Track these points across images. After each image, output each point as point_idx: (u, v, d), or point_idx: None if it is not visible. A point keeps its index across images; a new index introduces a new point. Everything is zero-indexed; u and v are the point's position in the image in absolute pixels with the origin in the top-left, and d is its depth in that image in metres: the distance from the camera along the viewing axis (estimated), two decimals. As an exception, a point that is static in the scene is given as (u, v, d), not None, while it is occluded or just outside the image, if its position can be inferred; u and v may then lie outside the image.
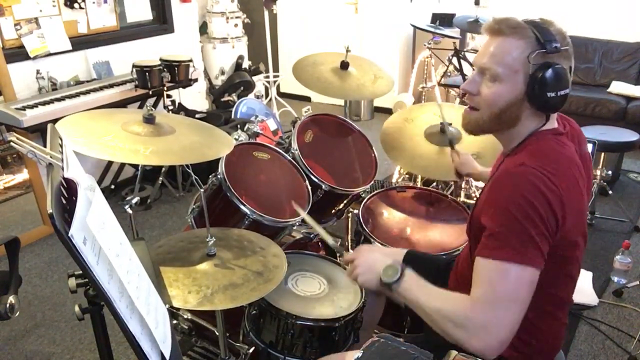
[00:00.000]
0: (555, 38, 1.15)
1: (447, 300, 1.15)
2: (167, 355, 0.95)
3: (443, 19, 4.48)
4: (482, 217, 1.16)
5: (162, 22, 4.12)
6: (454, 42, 3.85)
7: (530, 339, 1.26)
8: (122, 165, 3.69)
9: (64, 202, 0.85)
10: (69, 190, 0.86)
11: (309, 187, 1.96)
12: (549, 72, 1.13)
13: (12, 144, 0.98)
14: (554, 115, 1.23)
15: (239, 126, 2.91)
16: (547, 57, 1.14)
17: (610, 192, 3.39)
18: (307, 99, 5.87)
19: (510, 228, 1.09)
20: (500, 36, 1.18)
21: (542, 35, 1.14)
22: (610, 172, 3.40)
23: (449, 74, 4.01)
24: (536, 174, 1.10)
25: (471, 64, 3.68)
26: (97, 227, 0.82)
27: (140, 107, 3.57)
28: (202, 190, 1.53)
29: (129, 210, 1.55)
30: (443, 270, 1.53)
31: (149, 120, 1.57)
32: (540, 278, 1.12)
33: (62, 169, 0.90)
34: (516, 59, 1.15)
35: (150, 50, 3.88)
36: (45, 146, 0.98)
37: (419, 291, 1.19)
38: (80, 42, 3.47)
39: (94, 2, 3.52)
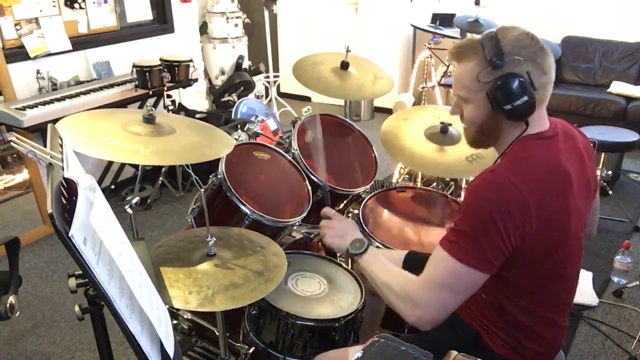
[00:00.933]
0: (502, 50, 1.17)
1: (399, 278, 1.27)
2: (170, 352, 0.96)
3: (443, 19, 4.48)
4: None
5: (162, 22, 4.12)
6: (454, 42, 3.85)
7: (527, 343, 1.28)
8: (122, 165, 3.69)
9: (64, 202, 0.85)
10: (69, 190, 0.86)
11: (309, 187, 1.95)
12: (500, 86, 1.16)
13: (12, 144, 0.98)
14: (539, 118, 1.24)
15: (239, 126, 2.91)
16: (495, 72, 1.17)
17: (610, 192, 3.40)
18: (307, 99, 5.87)
19: (466, 230, 1.16)
20: (458, 61, 1.25)
21: (488, 52, 1.17)
22: (610, 172, 3.40)
23: (449, 74, 4.00)
24: (501, 182, 1.14)
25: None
26: (100, 226, 0.82)
27: (141, 107, 3.57)
28: (202, 190, 1.53)
29: (129, 210, 1.55)
30: None
31: (149, 120, 1.57)
32: (528, 283, 1.21)
33: (62, 169, 0.90)
34: (470, 80, 1.22)
35: (151, 50, 3.89)
36: (45, 146, 0.98)
37: (376, 266, 1.34)
38: (81, 42, 3.47)
39: (94, 2, 3.52)
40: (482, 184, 1.18)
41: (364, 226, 1.87)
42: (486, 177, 1.18)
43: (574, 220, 1.22)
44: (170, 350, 0.96)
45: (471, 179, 2.98)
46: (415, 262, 1.50)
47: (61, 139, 1.02)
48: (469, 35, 4.97)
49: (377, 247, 1.81)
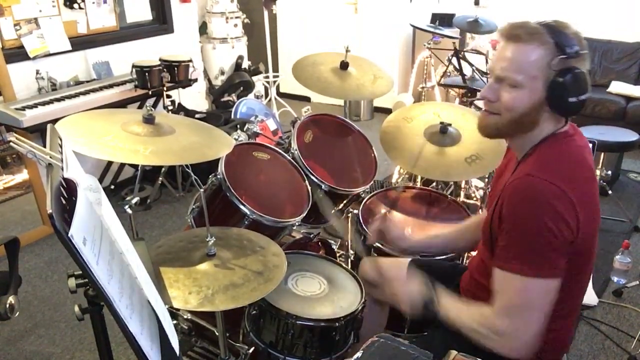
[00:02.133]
0: (574, 42, 1.14)
1: (470, 315, 1.22)
2: (176, 349, 0.96)
3: (443, 19, 4.47)
4: (498, 226, 1.19)
5: (161, 22, 4.12)
6: (454, 42, 3.85)
7: (542, 343, 1.26)
8: (122, 165, 3.69)
9: (64, 202, 0.85)
10: (69, 190, 0.86)
11: (309, 187, 1.95)
12: (570, 77, 1.12)
13: (11, 144, 0.98)
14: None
15: (238, 126, 2.91)
16: (567, 62, 1.13)
17: (610, 192, 3.40)
18: (307, 99, 5.87)
19: (522, 243, 1.13)
20: (518, 42, 1.16)
21: (561, 40, 1.13)
22: (610, 172, 3.40)
23: (448, 74, 4.00)
24: (548, 189, 1.11)
25: (471, 64, 3.67)
26: (109, 222, 0.82)
27: (140, 107, 3.57)
28: (202, 190, 1.53)
29: (129, 211, 1.55)
30: (450, 273, 1.54)
31: (149, 120, 1.57)
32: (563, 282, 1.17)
33: (62, 169, 0.90)
34: (535, 65, 1.14)
35: (150, 51, 3.88)
36: (45, 146, 0.98)
37: (452, 312, 1.26)
38: (80, 42, 3.47)
39: (93, 2, 3.52)
40: (525, 192, 1.14)
41: (364, 226, 1.87)
42: (528, 184, 1.14)
43: (599, 212, 1.23)
44: (176, 346, 0.97)
45: (477, 181, 2.96)
46: (419, 268, 1.50)
47: (61, 139, 1.02)
48: (472, 35, 4.97)
49: (378, 247, 1.81)
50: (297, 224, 1.87)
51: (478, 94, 1.30)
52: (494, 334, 1.16)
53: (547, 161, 1.18)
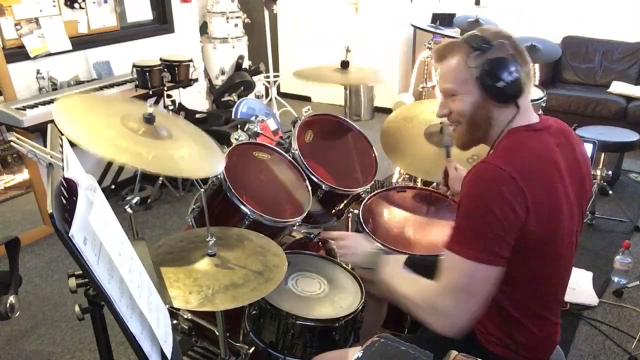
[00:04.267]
0: (486, 38, 1.23)
1: (417, 288, 1.27)
2: (168, 354, 0.96)
3: (443, 19, 4.47)
4: (457, 211, 1.25)
5: (162, 22, 4.12)
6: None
7: (520, 338, 1.28)
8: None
9: (64, 202, 0.85)
10: (69, 190, 0.86)
11: (309, 187, 1.95)
12: (487, 66, 1.21)
13: (12, 143, 0.98)
14: (528, 107, 1.28)
15: (239, 126, 2.91)
16: (483, 56, 1.22)
17: (610, 192, 3.39)
18: (307, 99, 5.87)
19: (468, 226, 1.18)
20: (443, 59, 1.29)
21: (472, 40, 1.24)
22: (610, 172, 3.40)
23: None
24: (496, 172, 1.16)
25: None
26: (99, 226, 0.82)
27: (141, 107, 3.57)
28: (202, 190, 1.53)
29: (129, 210, 1.55)
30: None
31: (149, 120, 1.55)
32: (521, 276, 1.22)
33: (62, 168, 0.90)
34: (460, 70, 1.25)
35: (151, 50, 3.89)
36: (45, 146, 0.98)
37: (397, 279, 1.35)
38: (81, 42, 3.47)
39: (94, 2, 3.52)
40: (475, 177, 1.19)
41: (364, 226, 1.87)
42: (478, 169, 1.20)
43: (566, 211, 1.23)
44: (168, 351, 0.96)
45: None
46: (415, 266, 1.50)
47: (61, 139, 1.02)
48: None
49: (380, 249, 1.81)
50: (297, 224, 1.87)
51: (436, 114, 1.38)
52: (433, 311, 1.20)
53: (503, 151, 1.24)
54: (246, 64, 4.92)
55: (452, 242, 1.20)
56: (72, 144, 1.09)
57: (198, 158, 1.55)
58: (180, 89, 3.78)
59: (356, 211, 2.01)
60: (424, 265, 1.50)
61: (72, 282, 1.04)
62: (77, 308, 1.08)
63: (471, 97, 1.26)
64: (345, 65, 2.30)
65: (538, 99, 3.02)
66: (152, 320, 0.93)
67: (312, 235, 2.08)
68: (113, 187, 3.65)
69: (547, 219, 1.18)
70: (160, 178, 3.58)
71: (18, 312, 1.48)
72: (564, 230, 1.24)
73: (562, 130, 1.32)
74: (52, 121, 1.22)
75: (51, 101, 3.00)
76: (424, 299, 1.23)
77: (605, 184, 3.39)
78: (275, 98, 5.12)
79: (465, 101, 1.27)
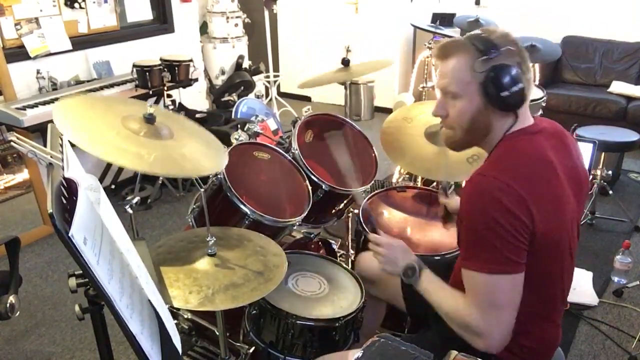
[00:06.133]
0: (494, 43, 1.20)
1: (453, 305, 1.25)
2: (179, 347, 0.97)
3: (443, 19, 4.47)
4: (459, 225, 1.25)
5: (162, 22, 4.12)
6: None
7: (521, 340, 1.28)
8: (122, 165, 3.68)
9: (64, 201, 0.85)
10: (69, 190, 0.86)
11: (309, 187, 1.95)
12: (494, 74, 1.18)
13: (12, 143, 0.98)
14: (525, 113, 1.26)
15: (239, 126, 2.91)
16: (490, 62, 1.19)
17: (610, 192, 3.39)
18: (307, 99, 5.87)
19: (477, 241, 1.17)
20: (446, 58, 1.25)
21: (480, 44, 1.20)
22: (610, 172, 3.40)
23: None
24: (493, 183, 1.15)
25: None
26: (108, 222, 0.82)
27: (141, 107, 3.57)
28: (202, 190, 1.52)
29: (129, 210, 1.55)
30: (442, 271, 1.54)
31: (150, 120, 1.55)
32: (526, 280, 1.20)
33: (63, 168, 0.90)
34: (464, 72, 1.22)
35: (151, 50, 3.89)
36: (45, 146, 0.98)
37: (434, 295, 1.32)
38: (81, 42, 3.47)
39: (94, 2, 3.52)
40: (474, 191, 1.19)
41: (364, 226, 1.87)
42: (475, 183, 1.19)
43: (566, 208, 1.23)
44: (178, 346, 0.97)
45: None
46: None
47: (61, 139, 1.02)
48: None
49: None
50: (297, 223, 1.87)
51: (431, 112, 1.35)
52: (465, 330, 1.20)
53: (497, 159, 1.23)
54: (246, 63, 4.92)
55: (465, 259, 1.19)
56: (72, 144, 1.09)
57: (201, 155, 1.55)
58: (180, 88, 3.78)
59: (356, 211, 2.01)
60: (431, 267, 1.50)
61: (72, 282, 1.05)
62: (77, 308, 1.08)
63: (473, 103, 1.23)
64: (346, 63, 2.31)
65: (538, 99, 3.02)
66: (164, 314, 0.93)
67: (312, 235, 2.08)
68: (113, 187, 3.65)
69: (551, 219, 1.18)
70: (161, 178, 3.58)
71: (18, 312, 1.48)
72: (567, 230, 1.24)
73: (556, 132, 1.32)
74: (52, 121, 1.22)
75: (51, 101, 2.99)
76: (460, 318, 1.22)
77: (605, 184, 3.39)
78: (275, 98, 5.12)
79: (466, 106, 1.24)
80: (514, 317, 1.18)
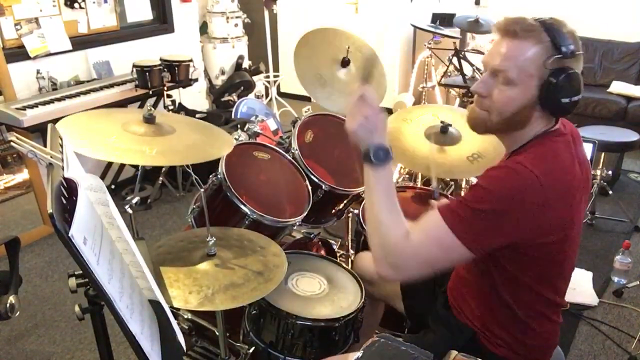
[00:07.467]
0: (570, 41, 1.13)
1: (392, 222, 1.17)
2: (183, 345, 0.97)
3: (443, 19, 4.48)
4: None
5: (162, 22, 4.12)
6: (454, 42, 3.85)
7: (523, 338, 1.28)
8: (122, 165, 3.69)
9: (64, 202, 0.85)
10: (69, 190, 0.86)
11: (309, 187, 1.95)
12: (564, 78, 1.10)
13: (12, 143, 0.98)
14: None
15: (239, 126, 2.91)
16: (562, 62, 1.12)
17: (610, 192, 3.39)
18: (307, 99, 5.87)
19: (475, 207, 1.10)
20: (514, 38, 1.14)
21: (558, 38, 1.11)
22: (610, 172, 3.40)
23: (449, 74, 4.00)
24: (530, 179, 1.09)
25: (471, 64, 3.67)
26: (118, 216, 0.82)
27: (141, 106, 3.57)
28: (202, 190, 1.53)
29: (129, 210, 1.55)
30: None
31: (149, 120, 1.56)
32: (528, 278, 1.19)
33: (62, 168, 0.90)
34: (531, 63, 1.12)
35: (151, 50, 3.88)
36: (45, 146, 0.98)
37: (382, 194, 1.19)
38: (81, 42, 3.47)
39: (94, 2, 3.52)
40: (506, 171, 1.12)
41: (364, 226, 1.87)
42: (511, 166, 1.12)
43: (577, 219, 1.22)
44: (183, 343, 0.98)
45: (472, 179, 2.99)
46: None
47: (61, 139, 1.02)
48: (473, 35, 4.97)
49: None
50: (297, 224, 1.87)
51: (471, 87, 1.26)
52: (390, 258, 1.15)
53: (540, 157, 1.14)
54: (246, 64, 4.93)
55: (449, 209, 1.13)
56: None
57: (206, 145, 1.58)
58: (180, 88, 3.78)
59: (356, 211, 2.01)
60: None
61: (72, 282, 1.05)
62: (77, 308, 1.08)
63: (525, 96, 1.14)
64: (346, 63, 2.32)
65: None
66: (169, 311, 0.94)
67: (312, 235, 2.08)
68: (113, 187, 3.65)
69: (566, 224, 1.16)
70: (161, 178, 3.58)
71: (18, 312, 1.48)
72: (573, 238, 1.23)
73: (573, 132, 1.28)
74: (52, 121, 1.22)
75: (51, 101, 2.99)
76: (390, 241, 1.15)
77: (605, 184, 3.39)
78: (275, 98, 5.12)
79: (516, 97, 1.14)
80: (422, 276, 1.15)
